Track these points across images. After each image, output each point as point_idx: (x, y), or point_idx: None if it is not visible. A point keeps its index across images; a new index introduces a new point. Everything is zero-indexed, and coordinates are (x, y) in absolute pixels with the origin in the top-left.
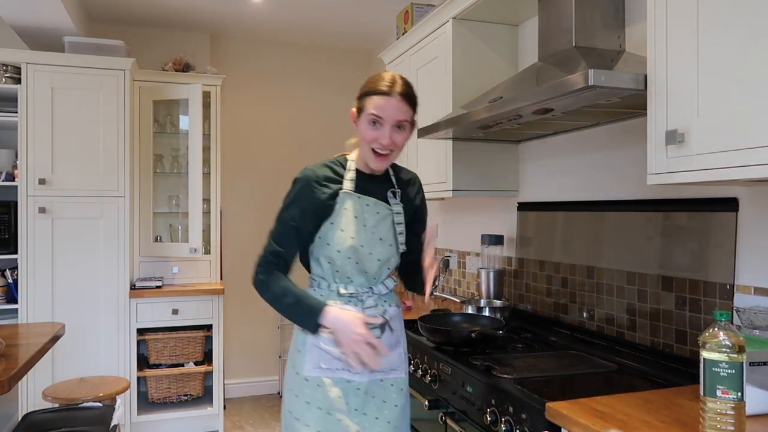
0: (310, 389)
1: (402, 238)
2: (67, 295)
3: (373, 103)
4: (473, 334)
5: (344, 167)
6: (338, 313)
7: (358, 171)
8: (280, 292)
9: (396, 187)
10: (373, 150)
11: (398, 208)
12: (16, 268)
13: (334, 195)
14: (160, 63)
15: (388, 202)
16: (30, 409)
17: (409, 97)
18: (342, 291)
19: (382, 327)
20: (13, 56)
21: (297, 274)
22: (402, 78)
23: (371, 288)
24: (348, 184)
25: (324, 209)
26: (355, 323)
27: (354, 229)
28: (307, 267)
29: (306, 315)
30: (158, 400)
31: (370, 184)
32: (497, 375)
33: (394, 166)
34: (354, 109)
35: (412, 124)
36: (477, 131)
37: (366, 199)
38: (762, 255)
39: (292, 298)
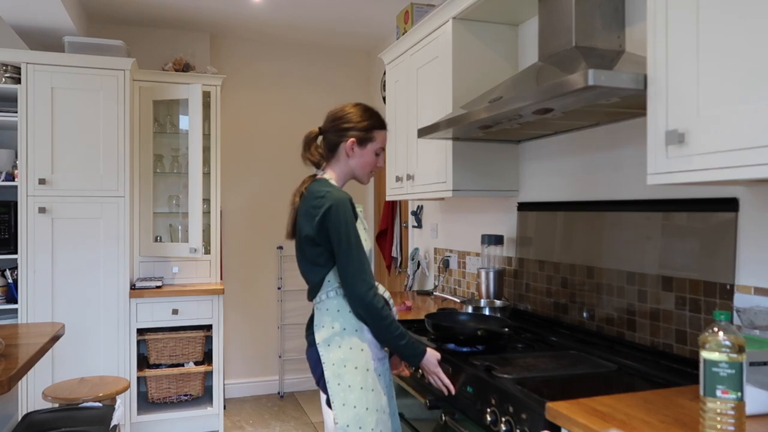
0: (378, 380)
1: None
2: (67, 295)
3: (382, 137)
4: (479, 332)
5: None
6: (430, 353)
7: None
8: (396, 329)
9: None
10: (370, 172)
11: None
12: (16, 268)
13: (354, 211)
14: (160, 63)
15: None
16: (30, 409)
17: None
18: None
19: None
20: (13, 56)
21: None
22: None
23: None
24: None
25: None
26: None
27: (366, 237)
28: (320, 281)
29: (413, 351)
30: (158, 400)
31: None
32: (497, 375)
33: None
34: (354, 140)
35: None
36: (477, 131)
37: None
38: (762, 255)
39: (404, 337)
